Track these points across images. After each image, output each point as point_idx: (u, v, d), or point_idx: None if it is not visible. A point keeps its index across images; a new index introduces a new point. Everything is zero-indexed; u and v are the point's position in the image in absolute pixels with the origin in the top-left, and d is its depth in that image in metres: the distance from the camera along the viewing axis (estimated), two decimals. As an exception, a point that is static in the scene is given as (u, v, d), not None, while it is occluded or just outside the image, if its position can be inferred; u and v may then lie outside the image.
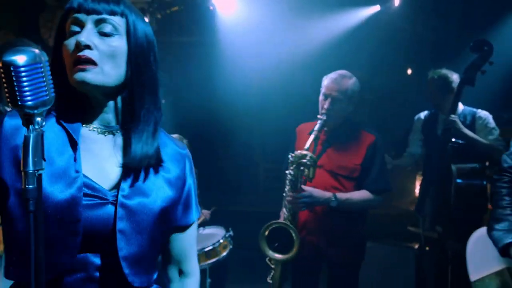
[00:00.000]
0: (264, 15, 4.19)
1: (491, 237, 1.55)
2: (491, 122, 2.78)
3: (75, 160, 0.91)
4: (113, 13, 0.93)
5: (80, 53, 0.88)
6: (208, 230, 3.37)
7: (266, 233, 2.34)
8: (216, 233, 3.27)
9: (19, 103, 0.70)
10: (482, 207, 2.59)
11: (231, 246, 3.27)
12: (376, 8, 4.18)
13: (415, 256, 3.54)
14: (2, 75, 0.69)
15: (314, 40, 4.49)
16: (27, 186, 0.69)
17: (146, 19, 1.01)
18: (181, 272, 1.13)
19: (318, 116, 2.31)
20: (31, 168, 0.70)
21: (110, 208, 0.92)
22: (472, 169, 2.62)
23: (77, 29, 0.91)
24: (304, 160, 2.23)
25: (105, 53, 0.91)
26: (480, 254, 1.64)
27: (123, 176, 0.95)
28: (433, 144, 3.00)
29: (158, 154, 1.00)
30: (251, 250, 3.36)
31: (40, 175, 0.72)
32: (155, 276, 1.03)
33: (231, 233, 3.32)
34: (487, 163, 2.68)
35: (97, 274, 0.92)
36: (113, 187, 0.94)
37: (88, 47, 0.89)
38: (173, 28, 4.93)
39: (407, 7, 4.09)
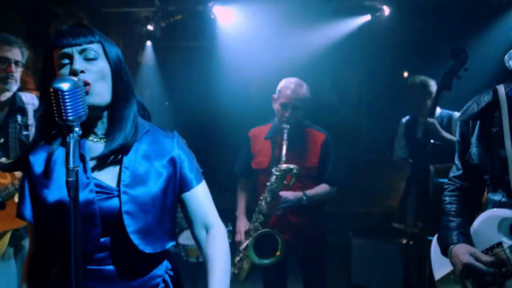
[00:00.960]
0: (261, 24, 4.39)
1: (438, 242, 1.67)
2: None
3: (85, 170, 1.14)
4: (91, 42, 1.15)
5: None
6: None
7: (253, 244, 2.50)
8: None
9: (64, 117, 0.95)
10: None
11: (229, 240, 3.49)
12: (367, 17, 4.40)
13: (402, 250, 3.74)
14: (52, 97, 0.94)
15: (310, 47, 4.71)
16: (69, 178, 0.94)
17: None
18: (206, 227, 1.29)
19: (283, 126, 2.46)
20: (71, 165, 0.95)
21: (116, 200, 1.15)
22: (448, 169, 2.82)
23: (66, 61, 1.12)
24: (295, 171, 2.41)
25: (95, 73, 1.13)
26: (438, 255, 1.72)
27: (123, 170, 1.17)
28: (414, 146, 3.18)
29: (147, 144, 1.21)
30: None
31: (77, 171, 0.96)
32: (169, 243, 1.24)
33: (230, 228, 3.52)
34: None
35: (120, 249, 1.16)
36: (114, 180, 1.17)
37: (82, 71, 1.10)
38: (175, 34, 5.15)
39: (395, 17, 4.31)
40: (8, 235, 2.16)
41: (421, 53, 4.74)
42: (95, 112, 1.14)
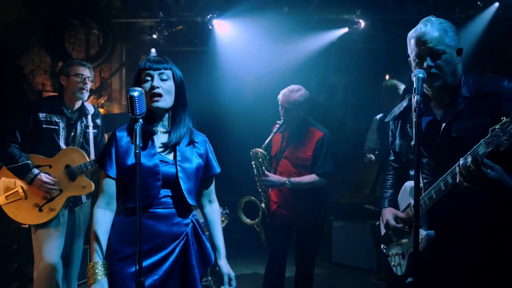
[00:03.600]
0: (254, 35, 4.89)
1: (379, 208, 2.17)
2: None
3: (153, 147, 1.80)
4: (166, 68, 1.82)
5: (154, 91, 1.77)
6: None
7: (242, 206, 3.19)
8: (215, 211, 4.04)
9: (134, 112, 1.52)
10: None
11: (227, 221, 3.98)
12: (345, 30, 4.95)
13: (373, 228, 4.33)
14: (128, 101, 1.51)
15: (296, 54, 5.26)
16: (136, 151, 1.51)
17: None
18: (209, 201, 2.03)
19: (277, 122, 3.08)
20: (137, 142, 1.52)
21: (171, 167, 1.80)
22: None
23: (148, 78, 1.79)
24: (258, 156, 3.04)
25: (165, 90, 1.79)
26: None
27: (177, 153, 1.81)
28: (385, 140, 3.77)
29: (191, 140, 1.87)
30: (245, 233, 4.06)
31: (141, 146, 1.54)
32: (195, 202, 1.88)
33: (227, 211, 4.04)
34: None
35: (169, 199, 1.78)
36: (171, 157, 1.80)
37: (158, 88, 1.77)
38: (177, 42, 5.65)
39: (370, 29, 4.87)
40: (64, 198, 2.87)
41: (392, 60, 5.30)
42: (162, 112, 1.82)
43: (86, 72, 2.96)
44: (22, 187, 2.84)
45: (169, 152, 1.84)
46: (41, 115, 2.82)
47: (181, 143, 1.85)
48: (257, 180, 3.10)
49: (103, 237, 1.73)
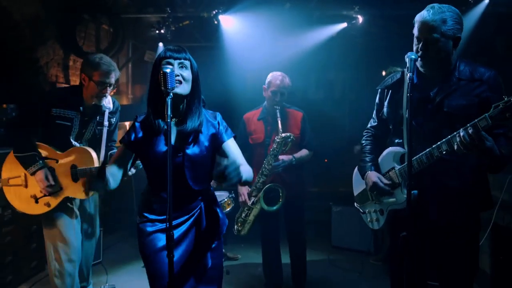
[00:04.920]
0: (257, 30, 5.12)
1: (359, 171, 2.41)
2: None
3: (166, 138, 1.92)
4: (185, 58, 1.94)
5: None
6: (216, 194, 4.35)
7: (263, 196, 3.30)
8: (222, 195, 4.25)
9: (167, 86, 1.75)
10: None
11: (233, 204, 4.19)
12: (344, 25, 5.19)
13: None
14: (162, 76, 1.75)
15: (296, 48, 5.47)
16: (167, 120, 1.74)
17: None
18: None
19: (275, 107, 3.26)
20: (168, 119, 1.75)
21: (180, 157, 1.95)
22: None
23: (169, 65, 1.88)
24: (291, 138, 3.20)
25: (184, 78, 1.91)
26: (356, 180, 2.51)
27: (187, 140, 1.97)
28: None
29: (201, 126, 1.98)
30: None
31: (170, 123, 1.75)
32: (206, 186, 2.06)
33: (233, 195, 4.27)
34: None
35: (181, 183, 1.94)
36: (182, 145, 1.96)
37: (178, 75, 1.88)
38: (184, 36, 5.82)
39: (368, 24, 5.11)
40: (62, 197, 2.81)
41: (390, 55, 5.51)
42: (179, 100, 1.94)
43: (111, 78, 2.81)
44: (25, 175, 2.79)
45: (180, 140, 1.97)
46: (54, 110, 2.74)
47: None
48: (271, 166, 3.21)
49: None
